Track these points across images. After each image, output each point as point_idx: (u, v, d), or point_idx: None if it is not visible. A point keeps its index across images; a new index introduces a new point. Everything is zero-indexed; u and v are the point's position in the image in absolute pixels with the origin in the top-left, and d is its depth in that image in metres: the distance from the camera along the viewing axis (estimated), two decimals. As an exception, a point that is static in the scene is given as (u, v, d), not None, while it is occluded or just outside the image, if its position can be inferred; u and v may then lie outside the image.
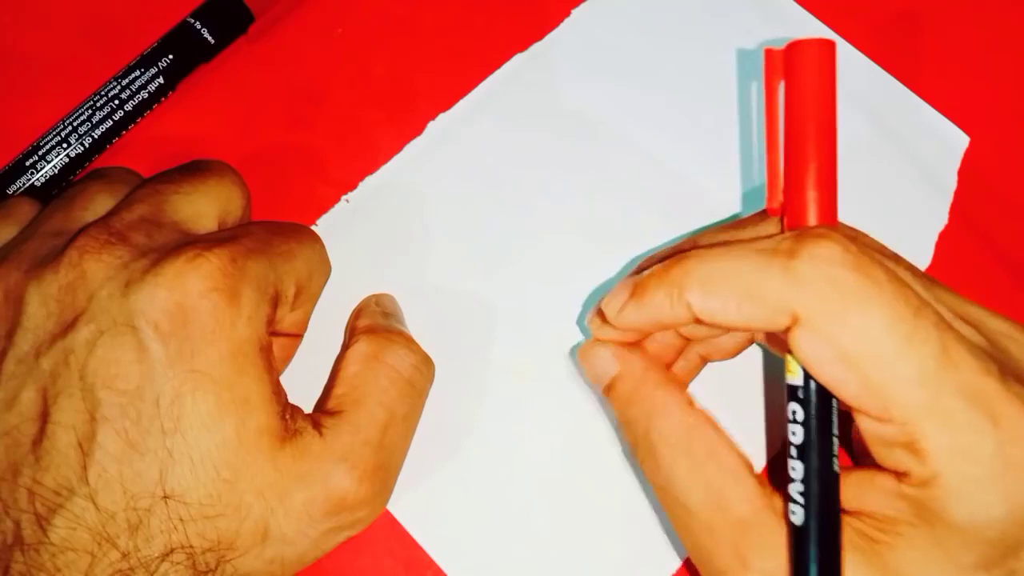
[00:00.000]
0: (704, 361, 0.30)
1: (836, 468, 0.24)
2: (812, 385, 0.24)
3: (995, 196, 0.35)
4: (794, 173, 0.26)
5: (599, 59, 0.37)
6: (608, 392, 0.28)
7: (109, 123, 0.35)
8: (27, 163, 0.34)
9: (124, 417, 0.24)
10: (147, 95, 0.35)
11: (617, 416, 0.28)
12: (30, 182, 0.34)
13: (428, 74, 0.37)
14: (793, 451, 0.25)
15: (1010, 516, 0.22)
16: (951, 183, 0.35)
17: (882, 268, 0.23)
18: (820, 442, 0.24)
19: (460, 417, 0.32)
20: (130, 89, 0.35)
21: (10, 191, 0.34)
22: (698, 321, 0.25)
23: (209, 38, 0.36)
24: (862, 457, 0.26)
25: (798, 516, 0.24)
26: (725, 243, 0.26)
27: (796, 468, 0.24)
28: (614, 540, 0.31)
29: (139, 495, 0.24)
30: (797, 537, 0.24)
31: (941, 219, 0.35)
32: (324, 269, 0.31)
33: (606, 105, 0.36)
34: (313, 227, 0.34)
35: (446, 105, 0.36)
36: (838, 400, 0.24)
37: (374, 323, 0.31)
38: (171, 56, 0.35)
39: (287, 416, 0.26)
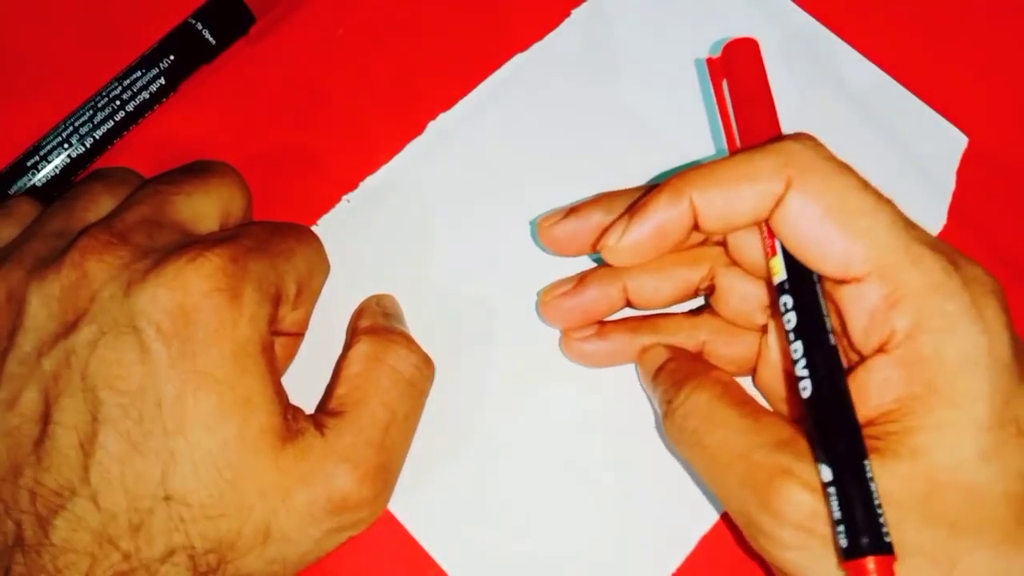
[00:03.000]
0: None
1: (833, 342, 0.26)
2: (798, 267, 0.26)
3: (994, 196, 0.35)
4: (749, 140, 0.29)
5: (599, 59, 0.37)
6: (656, 377, 0.30)
7: (110, 124, 0.35)
8: (28, 163, 0.34)
9: (126, 418, 0.24)
10: (148, 96, 0.35)
11: (660, 394, 0.30)
12: (31, 182, 0.34)
13: (428, 74, 0.37)
14: (791, 336, 0.26)
15: (994, 348, 0.24)
16: (950, 183, 0.35)
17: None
18: (813, 315, 0.26)
19: (461, 417, 0.32)
20: (131, 90, 0.35)
21: (11, 191, 0.34)
22: (696, 228, 0.27)
23: (210, 39, 0.36)
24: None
25: (807, 389, 0.25)
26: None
27: (797, 349, 0.26)
28: (614, 540, 0.31)
29: (141, 496, 0.24)
30: (812, 408, 0.25)
31: (940, 219, 0.35)
32: (323, 267, 0.31)
33: (606, 105, 0.36)
34: (313, 227, 0.34)
35: (446, 105, 0.36)
36: (821, 278, 0.26)
37: (375, 323, 0.31)
38: (172, 57, 0.35)
39: (289, 416, 0.27)
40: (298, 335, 0.31)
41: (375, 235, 0.34)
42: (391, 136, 0.36)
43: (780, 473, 0.24)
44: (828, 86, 0.36)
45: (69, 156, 0.34)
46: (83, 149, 0.34)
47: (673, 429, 0.28)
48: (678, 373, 0.29)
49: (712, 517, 0.31)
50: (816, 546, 0.24)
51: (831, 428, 0.24)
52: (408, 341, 0.30)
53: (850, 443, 0.24)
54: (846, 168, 0.26)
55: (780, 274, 0.27)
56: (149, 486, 0.24)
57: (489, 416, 0.32)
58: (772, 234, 0.27)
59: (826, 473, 0.24)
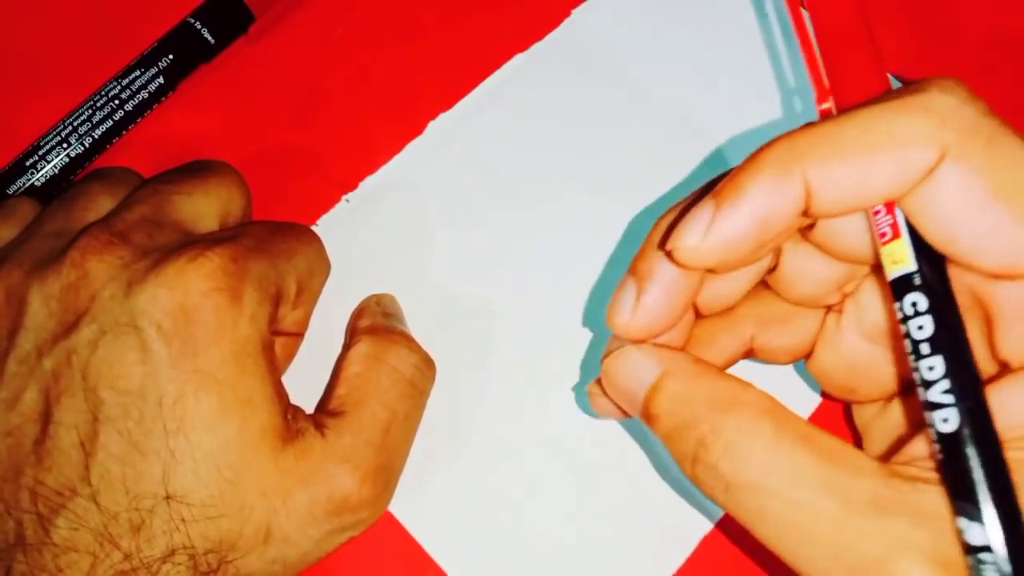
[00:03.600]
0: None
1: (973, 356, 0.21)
2: (930, 257, 0.21)
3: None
4: (842, 79, 0.24)
5: (599, 59, 0.37)
6: (650, 403, 0.23)
7: (109, 123, 0.35)
8: (27, 163, 0.34)
9: (127, 417, 0.24)
10: (147, 95, 0.35)
11: (667, 429, 0.22)
12: (30, 182, 0.34)
13: (428, 74, 0.37)
14: (925, 348, 0.20)
15: None
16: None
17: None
18: (955, 323, 0.21)
19: (461, 417, 0.32)
20: (130, 89, 0.35)
21: (10, 191, 0.34)
22: (806, 213, 0.21)
23: (209, 38, 0.36)
24: None
25: (951, 421, 0.20)
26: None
27: (935, 366, 0.20)
28: (614, 540, 0.31)
29: (141, 496, 0.24)
30: (956, 446, 0.20)
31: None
32: (324, 267, 0.31)
33: (606, 105, 0.36)
34: (313, 227, 0.34)
35: (446, 105, 0.36)
36: (974, 270, 0.21)
37: (375, 323, 0.31)
38: (171, 56, 0.35)
39: (289, 416, 0.27)
40: (298, 335, 0.31)
41: (375, 235, 0.34)
42: (391, 136, 0.36)
43: (896, 547, 0.19)
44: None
45: (68, 156, 0.34)
46: (82, 149, 0.34)
47: (718, 484, 0.21)
48: (696, 402, 0.22)
49: (713, 518, 0.31)
50: None
51: (988, 475, 0.19)
52: (408, 341, 0.30)
53: (1008, 493, 0.19)
54: (1009, 129, 0.20)
55: (905, 264, 0.21)
56: (150, 486, 0.24)
57: (489, 417, 0.32)
58: (892, 211, 0.21)
59: (977, 535, 0.19)
